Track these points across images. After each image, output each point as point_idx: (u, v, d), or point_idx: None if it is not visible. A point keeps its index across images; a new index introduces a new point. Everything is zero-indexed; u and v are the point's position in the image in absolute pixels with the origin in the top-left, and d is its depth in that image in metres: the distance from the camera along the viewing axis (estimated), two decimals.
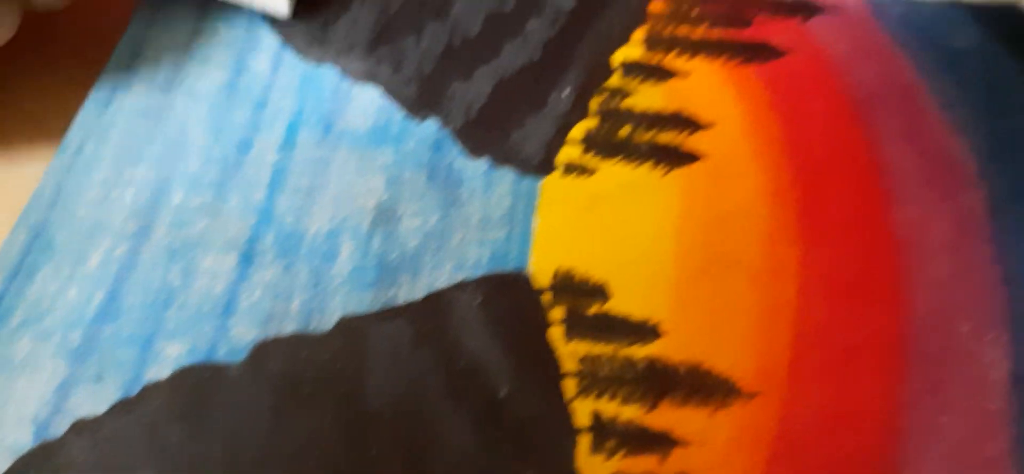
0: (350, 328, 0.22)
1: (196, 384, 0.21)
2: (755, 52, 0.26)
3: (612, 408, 0.21)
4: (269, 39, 0.28)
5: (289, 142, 0.25)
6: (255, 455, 0.20)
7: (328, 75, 0.27)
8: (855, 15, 0.27)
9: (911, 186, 0.23)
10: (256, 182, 0.25)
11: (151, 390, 0.21)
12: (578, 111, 0.26)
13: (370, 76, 0.26)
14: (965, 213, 0.23)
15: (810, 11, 0.27)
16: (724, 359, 0.21)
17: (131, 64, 0.27)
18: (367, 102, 0.26)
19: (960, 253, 0.22)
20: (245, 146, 0.25)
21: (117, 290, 0.23)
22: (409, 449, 0.20)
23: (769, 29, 0.27)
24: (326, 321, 0.22)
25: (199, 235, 0.24)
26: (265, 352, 0.22)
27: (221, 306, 0.23)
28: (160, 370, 0.22)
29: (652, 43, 0.27)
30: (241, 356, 0.22)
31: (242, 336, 0.22)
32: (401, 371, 0.21)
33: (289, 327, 0.22)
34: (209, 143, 0.25)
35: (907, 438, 0.20)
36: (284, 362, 0.22)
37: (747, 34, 0.27)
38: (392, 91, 0.26)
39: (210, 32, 0.28)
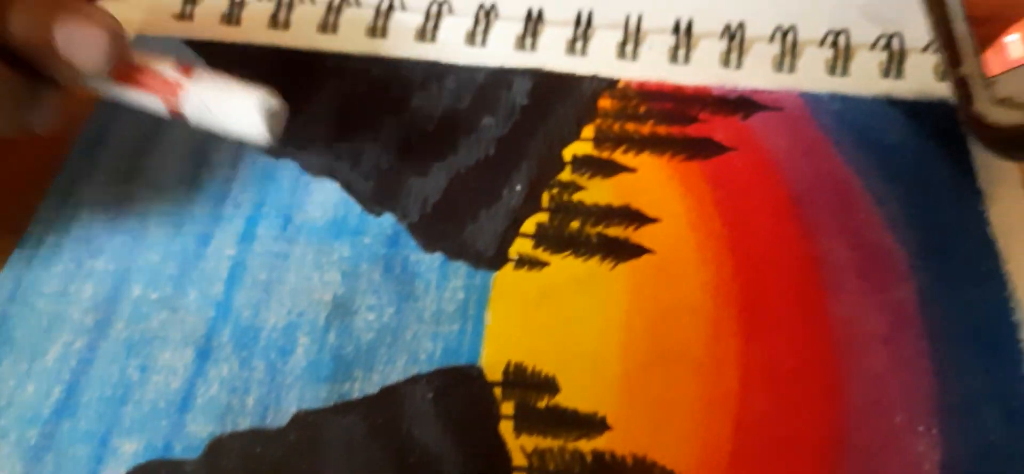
0: (305, 423, 0.23)
1: None
2: (699, 148, 0.28)
3: None
4: None
5: (248, 235, 0.26)
6: None
7: (288, 169, 0.27)
8: (793, 112, 0.28)
9: (846, 279, 0.25)
10: (214, 275, 0.25)
11: None
12: (530, 205, 0.26)
13: (329, 171, 0.27)
14: (898, 306, 0.24)
15: (751, 108, 0.28)
16: (668, 451, 0.22)
17: (93, 154, 0.28)
18: (325, 196, 0.27)
19: (893, 345, 0.23)
20: (205, 239, 0.26)
21: (75, 385, 0.23)
22: None
23: (712, 126, 0.28)
24: (282, 416, 0.23)
25: (157, 329, 0.24)
26: (221, 448, 0.22)
27: (178, 402, 0.23)
28: (116, 468, 0.22)
29: (601, 139, 0.28)
30: (197, 452, 0.22)
31: (198, 432, 0.22)
32: (354, 466, 0.22)
33: (245, 422, 0.23)
34: (169, 236, 0.26)
35: None
36: (239, 458, 0.22)
37: (691, 130, 0.28)
38: (350, 186, 0.27)
39: (172, 122, 0.28)
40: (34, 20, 0.21)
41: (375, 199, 0.27)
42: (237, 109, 0.23)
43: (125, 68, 0.23)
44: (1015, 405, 0.22)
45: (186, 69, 0.23)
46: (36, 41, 0.21)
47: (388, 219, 0.26)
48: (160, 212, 0.26)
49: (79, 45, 0.21)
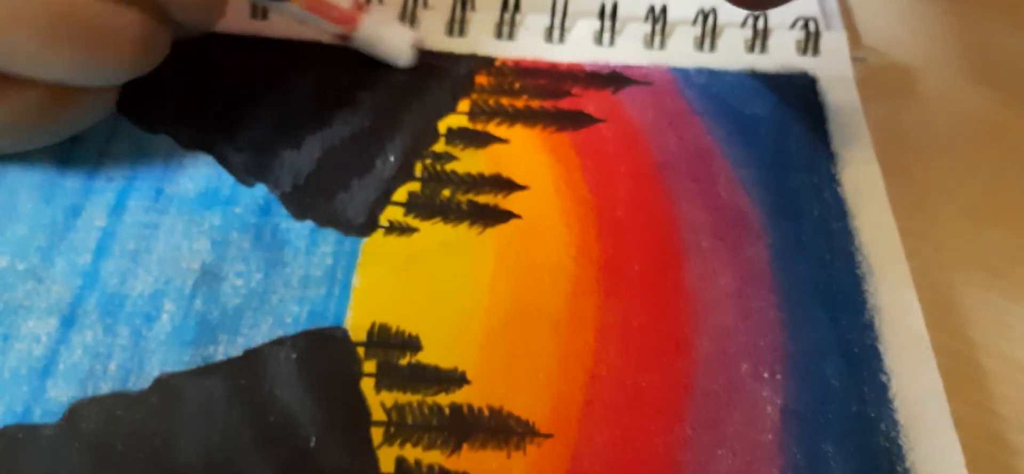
0: (167, 386, 0.23)
1: (9, 446, 0.22)
2: (569, 120, 0.28)
3: (416, 453, 0.22)
4: None
5: (119, 207, 0.26)
6: None
7: (162, 143, 0.27)
8: (661, 86, 0.29)
9: (703, 240, 0.26)
10: (83, 246, 0.25)
11: None
12: (403, 175, 0.27)
13: (203, 145, 0.27)
14: (750, 263, 0.25)
15: (621, 83, 0.29)
16: (524, 402, 0.23)
17: None
18: (198, 169, 0.27)
19: (744, 299, 0.24)
20: (74, 211, 0.26)
21: None
22: None
23: (584, 100, 0.29)
24: (144, 380, 0.23)
25: (22, 299, 0.24)
26: (81, 412, 0.22)
27: (39, 368, 0.23)
28: None
29: (476, 112, 0.29)
30: (57, 417, 0.22)
31: (59, 397, 0.22)
32: (214, 426, 0.22)
33: (106, 386, 0.23)
34: (38, 208, 0.26)
35: (686, 471, 0.21)
36: (99, 421, 0.22)
37: (563, 104, 0.29)
38: (224, 159, 0.27)
39: None
40: None
41: (248, 171, 0.27)
42: (396, 42, 0.29)
43: None
44: (855, 351, 0.23)
45: (360, 6, 0.29)
46: None
47: (260, 189, 0.26)
48: (30, 185, 0.26)
49: None
